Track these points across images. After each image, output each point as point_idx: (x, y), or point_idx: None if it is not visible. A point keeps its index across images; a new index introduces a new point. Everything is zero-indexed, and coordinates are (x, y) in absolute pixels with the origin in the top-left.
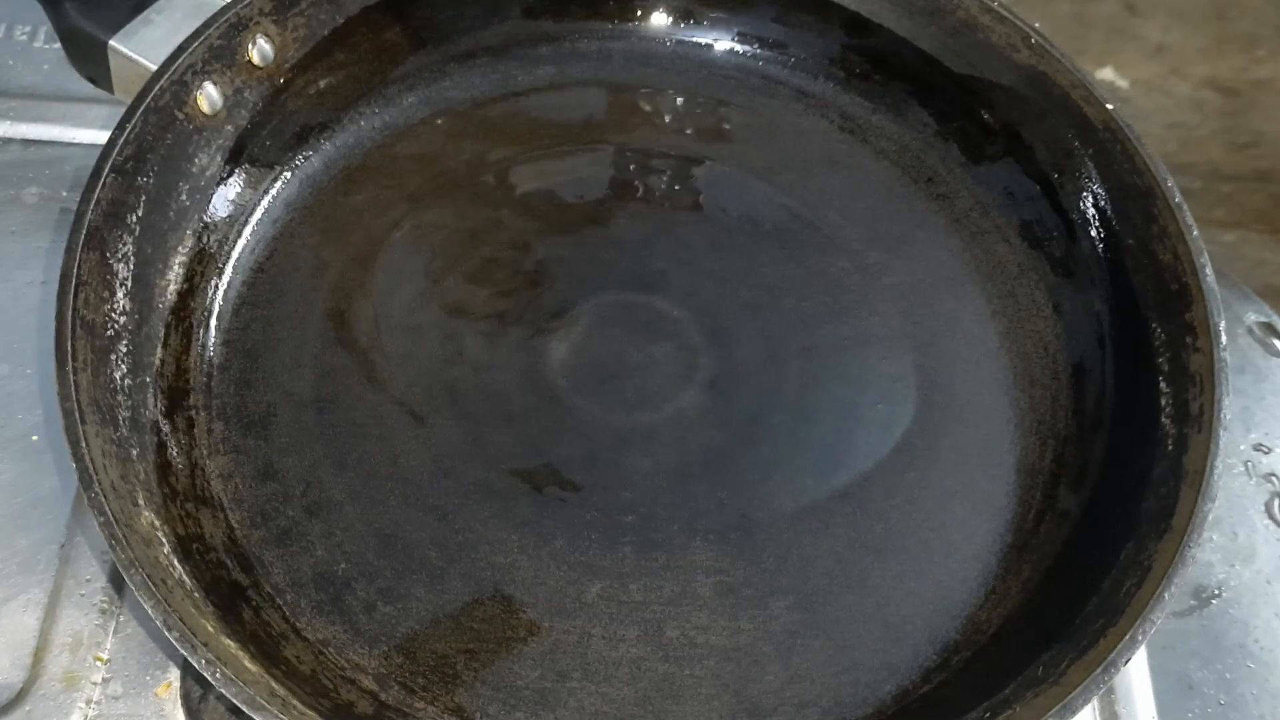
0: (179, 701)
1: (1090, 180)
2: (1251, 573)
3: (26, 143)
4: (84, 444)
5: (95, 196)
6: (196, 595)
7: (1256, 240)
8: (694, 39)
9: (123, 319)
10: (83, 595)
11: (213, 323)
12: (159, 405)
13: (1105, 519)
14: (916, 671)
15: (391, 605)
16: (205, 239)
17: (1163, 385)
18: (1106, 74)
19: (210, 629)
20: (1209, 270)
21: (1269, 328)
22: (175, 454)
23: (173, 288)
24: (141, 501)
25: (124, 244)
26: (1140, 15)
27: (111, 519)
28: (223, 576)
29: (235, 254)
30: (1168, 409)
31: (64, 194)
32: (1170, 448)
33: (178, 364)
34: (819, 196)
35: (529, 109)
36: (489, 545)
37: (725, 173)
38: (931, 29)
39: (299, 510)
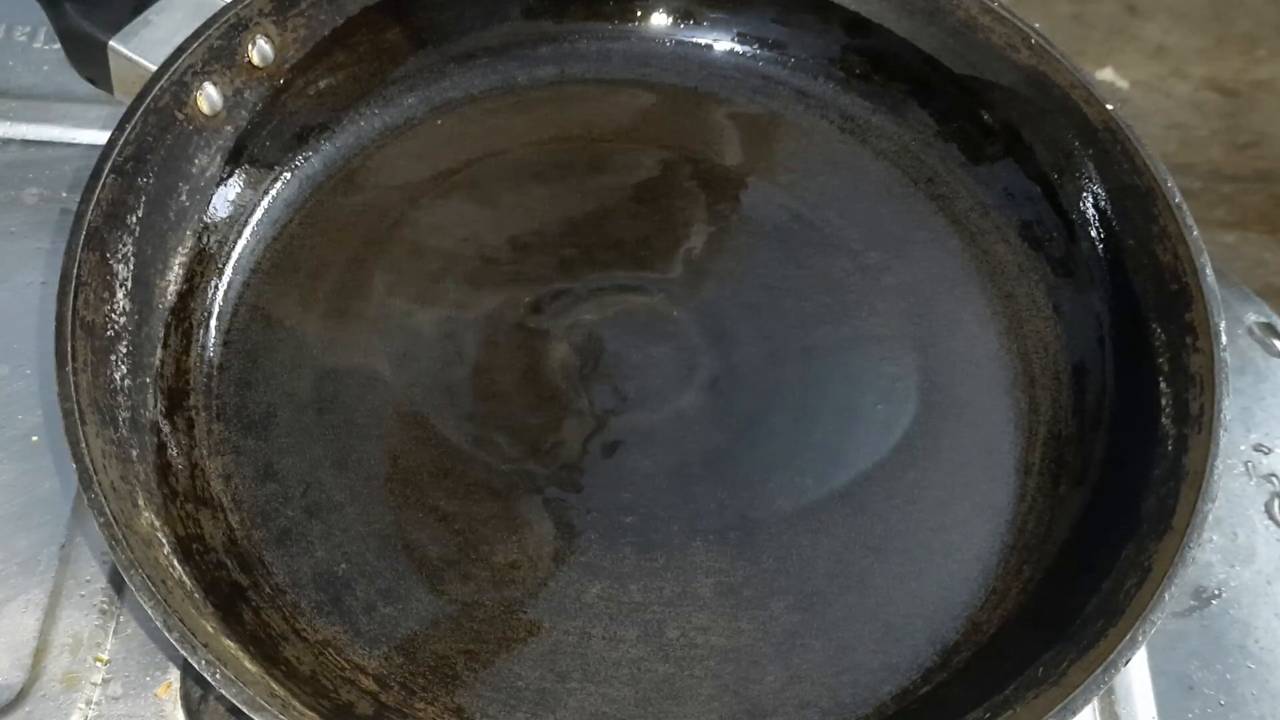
0: (179, 702)
1: (1090, 180)
2: (1251, 573)
3: (26, 143)
4: (84, 444)
5: (95, 197)
6: (196, 596)
7: (1256, 240)
8: (694, 39)
9: (123, 319)
10: (83, 596)
11: (213, 323)
12: (159, 406)
13: (1105, 519)
14: (916, 672)
15: (391, 606)
16: (205, 239)
17: (1163, 385)
18: (1106, 74)
19: (210, 629)
20: (1209, 270)
21: (1269, 328)
22: (175, 455)
23: (173, 288)
24: (141, 502)
25: (124, 244)
26: (1140, 15)
27: (111, 520)
28: (223, 577)
29: (235, 254)
30: (1168, 409)
31: (64, 194)
32: (1170, 448)
33: (178, 364)
34: (819, 196)
35: (529, 109)
36: (489, 545)
37: (725, 173)
38: (931, 29)
39: (299, 511)
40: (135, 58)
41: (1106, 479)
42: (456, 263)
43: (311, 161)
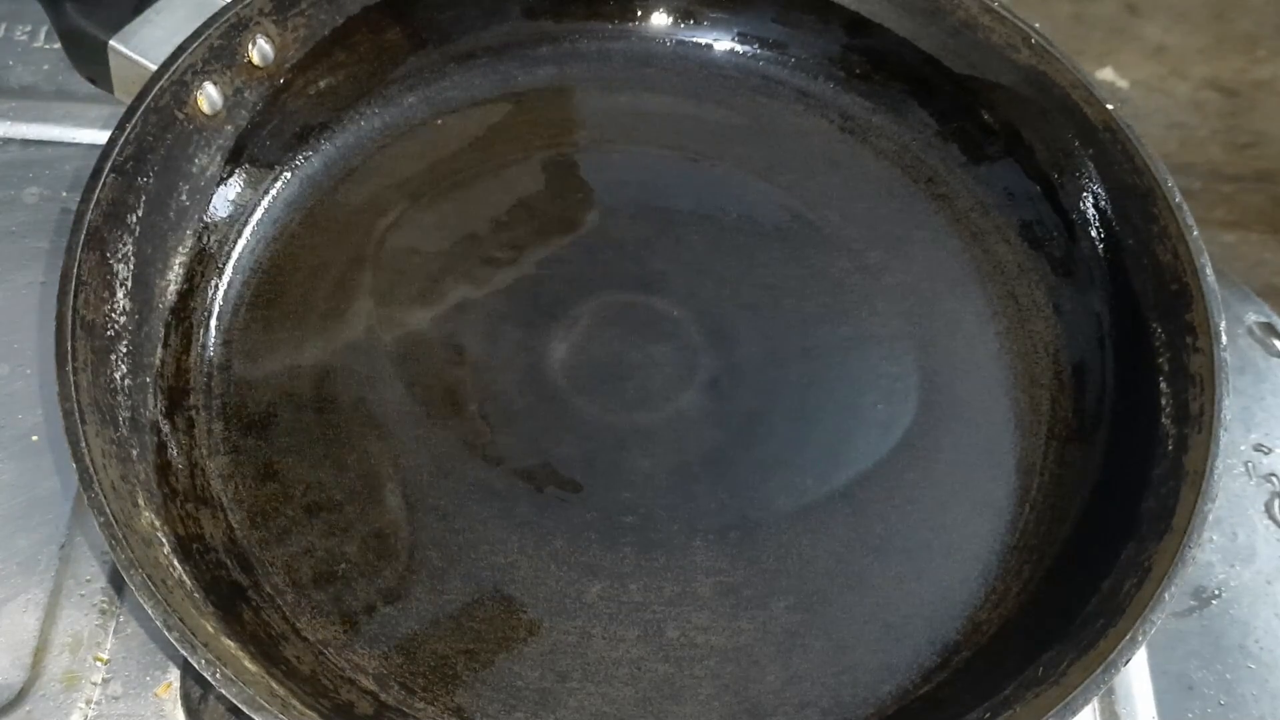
0: (179, 702)
1: (1090, 180)
2: (1251, 573)
3: (26, 143)
4: (84, 444)
5: (95, 196)
6: (196, 595)
7: (1256, 240)
8: (694, 39)
9: (123, 319)
10: (83, 595)
11: (213, 323)
12: (159, 405)
13: (1105, 519)
14: (916, 672)
15: (391, 605)
16: (205, 239)
17: (1163, 385)
18: (1106, 74)
19: (210, 629)
20: (1209, 270)
21: (1269, 328)
22: (175, 454)
23: (173, 288)
24: (141, 502)
25: (124, 244)
26: (1140, 15)
27: (111, 519)
28: (223, 576)
29: (235, 254)
30: (1168, 409)
31: (64, 194)
32: (1170, 448)
33: (178, 364)
34: (819, 196)
35: (529, 109)
36: (489, 545)
37: (725, 173)
38: (932, 29)
39: (299, 510)
40: (135, 57)
41: (1106, 479)
42: (456, 263)
43: (312, 161)
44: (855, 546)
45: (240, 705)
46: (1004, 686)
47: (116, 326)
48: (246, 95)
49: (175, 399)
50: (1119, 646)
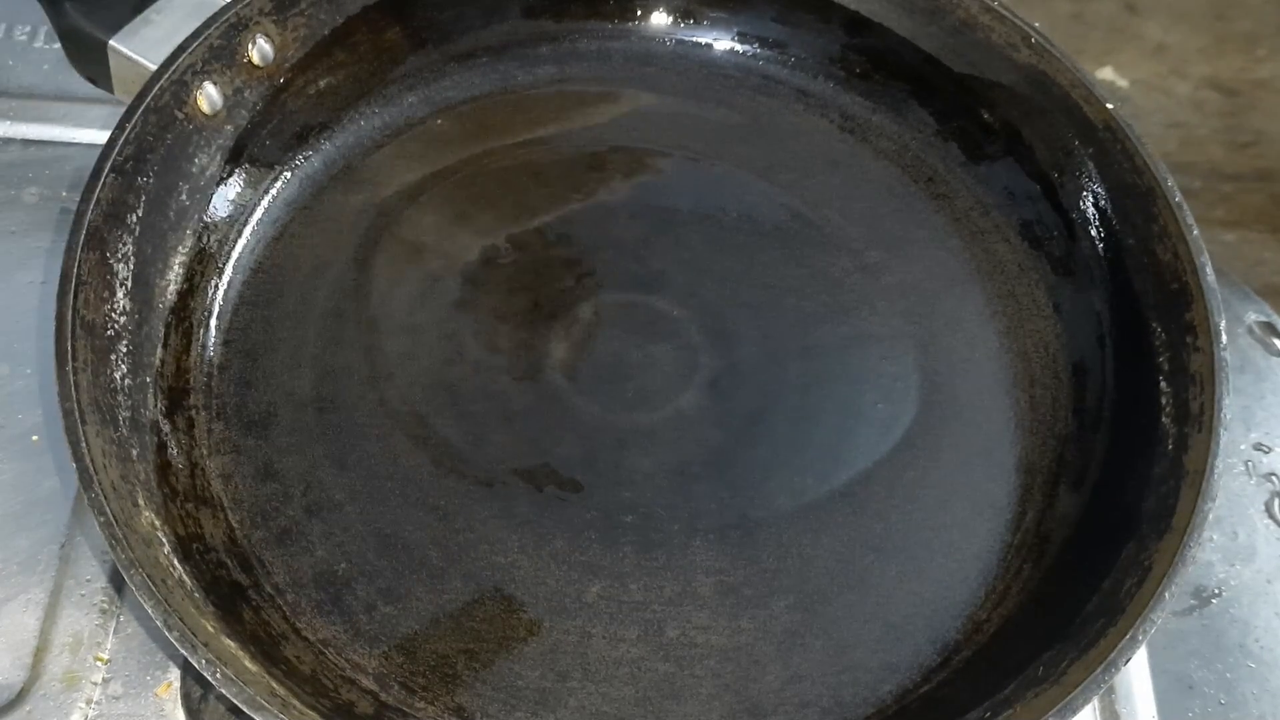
0: (179, 701)
1: (1090, 180)
2: (1251, 572)
3: (26, 143)
4: (84, 444)
5: (95, 196)
6: (196, 595)
7: (1256, 240)
8: (694, 39)
9: (123, 319)
10: (83, 595)
11: (213, 323)
12: (159, 405)
13: (1105, 519)
14: (916, 671)
15: (391, 605)
16: (205, 239)
17: (1163, 385)
18: (1106, 74)
19: (210, 629)
20: (1209, 270)
21: (1269, 327)
22: (175, 454)
23: (173, 288)
24: (141, 502)
25: (124, 244)
26: (1140, 15)
27: (111, 519)
28: (223, 576)
29: (235, 254)
30: (1168, 408)
31: (64, 194)
32: (1170, 447)
33: (178, 364)
34: (819, 196)
35: (529, 109)
36: (489, 545)
37: (725, 173)
38: (932, 28)
39: (299, 510)
40: (135, 57)
41: (1107, 478)
42: (456, 262)
43: (312, 161)
44: (855, 546)
45: (240, 705)
46: (1004, 686)
47: (116, 326)
48: (246, 95)
49: (175, 399)
50: (1119, 646)
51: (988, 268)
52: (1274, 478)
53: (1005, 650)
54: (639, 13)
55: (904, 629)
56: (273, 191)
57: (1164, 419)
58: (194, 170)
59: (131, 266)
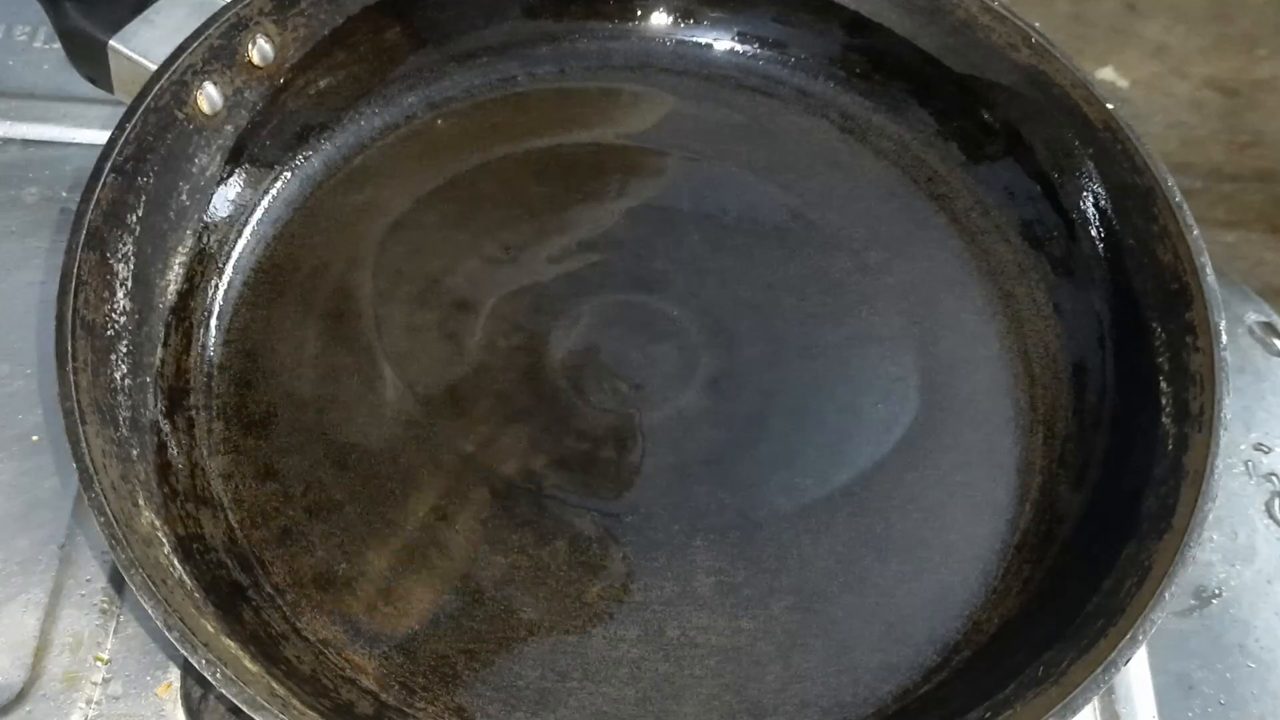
0: (179, 701)
1: (1090, 180)
2: (1251, 573)
3: (26, 143)
4: (84, 444)
5: (95, 196)
6: (196, 595)
7: (1256, 240)
8: (694, 39)
9: (123, 319)
10: (83, 595)
11: (213, 323)
12: (159, 405)
13: (1105, 519)
14: (917, 671)
15: (391, 605)
16: (205, 239)
17: (1163, 385)
18: (1106, 74)
19: (210, 629)
20: (1209, 270)
21: (1269, 327)
22: (175, 454)
23: (173, 288)
24: (142, 502)
25: (124, 244)
26: (1140, 15)
27: (112, 519)
28: (223, 576)
29: (235, 254)
30: (1168, 408)
31: (64, 194)
32: (1170, 447)
33: (178, 364)
34: (819, 196)
35: (529, 109)
36: (489, 545)
37: (725, 173)
38: (932, 28)
39: (299, 510)
40: (135, 57)
41: (1107, 478)
42: (456, 262)
43: (312, 161)
44: (855, 546)
45: (240, 705)
46: (1004, 686)
47: (116, 326)
48: (246, 95)
49: (175, 399)
50: (1119, 646)
51: (988, 268)
52: (1274, 478)
53: (1005, 650)
54: (639, 13)
55: (904, 629)
56: (273, 191)
57: (1164, 419)
58: (194, 170)
59: (131, 266)
